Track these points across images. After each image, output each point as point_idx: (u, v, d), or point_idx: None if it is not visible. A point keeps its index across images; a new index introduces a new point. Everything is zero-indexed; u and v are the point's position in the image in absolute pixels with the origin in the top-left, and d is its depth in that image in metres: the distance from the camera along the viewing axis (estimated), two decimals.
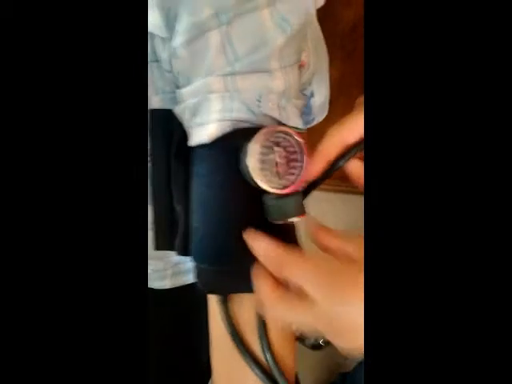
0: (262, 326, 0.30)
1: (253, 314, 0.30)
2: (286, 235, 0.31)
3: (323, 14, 0.37)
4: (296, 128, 0.32)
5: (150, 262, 0.46)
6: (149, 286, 0.48)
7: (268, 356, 0.29)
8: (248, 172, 0.28)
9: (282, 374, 0.29)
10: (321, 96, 0.50)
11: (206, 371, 0.66)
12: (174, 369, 0.56)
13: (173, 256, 0.45)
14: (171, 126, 0.33)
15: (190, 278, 0.49)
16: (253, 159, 0.27)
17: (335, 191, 1.48)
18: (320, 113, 0.53)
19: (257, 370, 0.30)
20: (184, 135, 0.33)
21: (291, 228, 0.32)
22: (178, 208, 0.35)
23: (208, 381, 0.68)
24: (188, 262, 0.47)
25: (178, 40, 0.29)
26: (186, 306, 0.52)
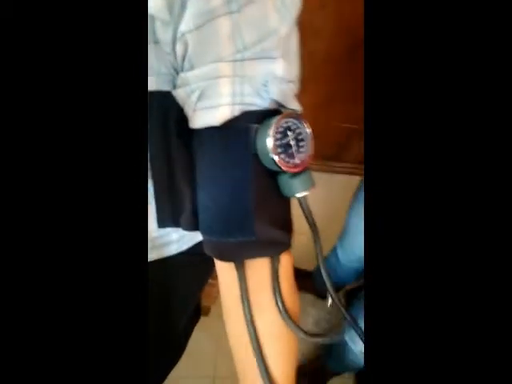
0: (276, 281, 0.35)
1: (265, 274, 0.35)
2: (289, 210, 0.36)
3: None
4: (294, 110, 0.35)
5: None
6: None
7: (280, 304, 0.35)
8: (266, 153, 0.31)
9: (291, 317, 0.35)
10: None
11: (181, 338, 0.70)
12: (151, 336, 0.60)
13: (152, 230, 0.47)
14: (167, 107, 0.34)
15: (167, 252, 0.51)
16: (271, 142, 0.31)
17: (316, 171, 1.53)
18: None
19: (253, 339, 0.35)
20: (181, 117, 0.34)
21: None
22: (182, 187, 0.37)
23: (183, 347, 0.72)
24: (165, 237, 0.49)
25: (187, 25, 0.30)
26: (164, 278, 0.55)
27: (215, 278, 0.39)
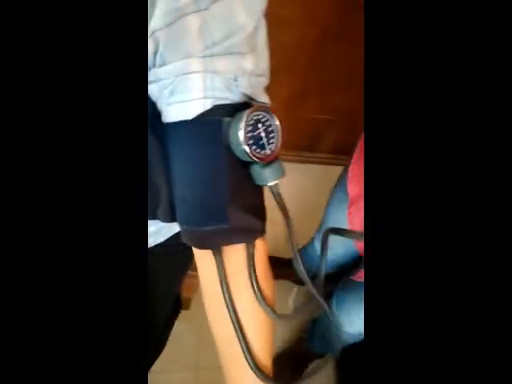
0: (252, 266, 0.37)
1: (241, 259, 0.37)
2: (262, 198, 0.37)
3: None
4: (264, 103, 0.37)
5: None
6: None
7: (255, 286, 0.37)
8: (238, 145, 0.32)
9: (265, 301, 0.37)
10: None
11: (161, 331, 0.71)
12: None
13: None
14: None
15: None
16: (243, 134, 0.32)
17: (293, 161, 1.54)
18: None
19: (233, 316, 0.37)
20: (154, 112, 0.35)
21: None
22: (158, 180, 0.38)
23: (164, 340, 0.73)
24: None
25: (157, 22, 0.31)
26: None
27: (195, 269, 0.40)
